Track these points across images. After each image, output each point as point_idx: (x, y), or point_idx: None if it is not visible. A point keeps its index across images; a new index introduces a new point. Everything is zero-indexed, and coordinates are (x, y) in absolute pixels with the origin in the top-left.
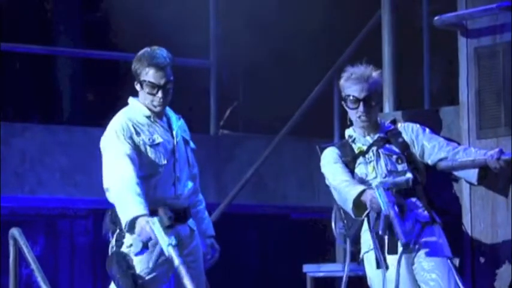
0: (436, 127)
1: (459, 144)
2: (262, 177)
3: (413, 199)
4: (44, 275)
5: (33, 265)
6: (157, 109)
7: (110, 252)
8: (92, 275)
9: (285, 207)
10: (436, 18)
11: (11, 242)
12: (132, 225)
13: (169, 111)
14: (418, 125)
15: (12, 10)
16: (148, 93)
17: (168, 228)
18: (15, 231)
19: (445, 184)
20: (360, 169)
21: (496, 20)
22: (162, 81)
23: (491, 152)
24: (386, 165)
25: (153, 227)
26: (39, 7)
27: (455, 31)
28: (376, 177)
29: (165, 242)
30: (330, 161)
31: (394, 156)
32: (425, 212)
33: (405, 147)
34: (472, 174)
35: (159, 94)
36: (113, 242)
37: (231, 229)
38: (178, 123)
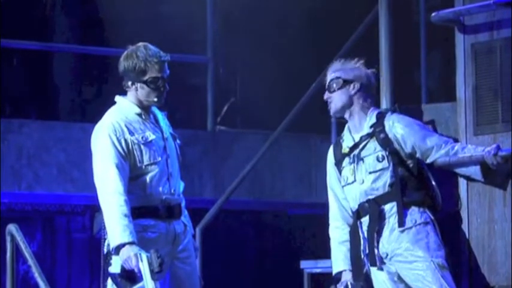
0: (433, 123)
1: (456, 140)
2: (259, 173)
3: (390, 205)
4: (41, 271)
5: (31, 261)
6: (162, 102)
7: (105, 250)
8: (89, 271)
9: (282, 203)
10: (433, 14)
11: (8, 238)
12: (118, 249)
13: (154, 108)
14: (406, 122)
15: (9, 6)
16: (154, 88)
17: (153, 273)
18: (12, 228)
19: (440, 181)
20: (344, 172)
21: (493, 16)
22: (166, 74)
23: (489, 148)
24: (366, 169)
25: (141, 264)
26: (37, 3)
27: (452, 27)
28: (354, 181)
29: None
30: (327, 163)
31: (375, 155)
32: (396, 218)
33: (387, 143)
34: (474, 171)
35: (164, 86)
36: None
37: (228, 225)
38: (165, 120)
